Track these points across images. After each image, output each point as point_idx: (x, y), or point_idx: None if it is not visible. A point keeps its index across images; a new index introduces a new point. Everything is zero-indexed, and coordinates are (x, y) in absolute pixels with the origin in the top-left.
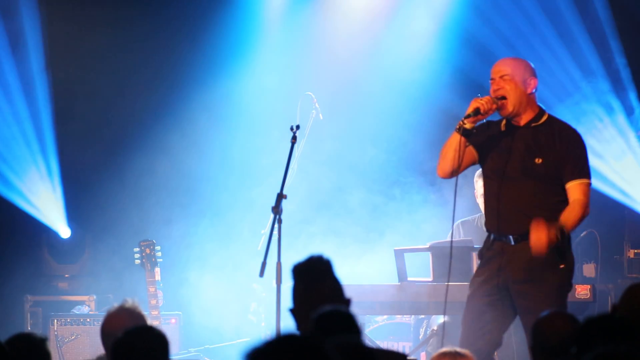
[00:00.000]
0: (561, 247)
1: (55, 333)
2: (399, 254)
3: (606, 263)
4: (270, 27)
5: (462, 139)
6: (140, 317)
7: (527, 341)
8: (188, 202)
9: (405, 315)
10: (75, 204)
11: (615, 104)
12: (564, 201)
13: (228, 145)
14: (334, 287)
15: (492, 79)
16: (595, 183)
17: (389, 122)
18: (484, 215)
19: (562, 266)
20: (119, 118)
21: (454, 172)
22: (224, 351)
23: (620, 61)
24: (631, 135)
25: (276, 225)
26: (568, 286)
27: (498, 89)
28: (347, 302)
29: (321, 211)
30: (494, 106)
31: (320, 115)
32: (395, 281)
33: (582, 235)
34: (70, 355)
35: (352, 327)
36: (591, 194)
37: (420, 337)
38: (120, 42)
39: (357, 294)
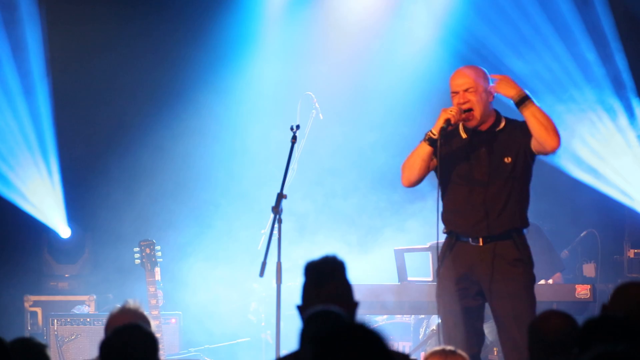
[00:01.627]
0: (525, 246)
1: (55, 333)
2: (399, 254)
3: (606, 263)
4: (270, 27)
5: (430, 149)
6: (143, 318)
7: (500, 338)
8: (188, 202)
9: (405, 315)
10: (76, 205)
11: (616, 104)
12: (528, 200)
13: (228, 145)
14: (343, 288)
15: (454, 92)
16: (596, 183)
17: (389, 122)
18: None
19: (530, 266)
20: (118, 119)
21: (419, 182)
22: (224, 351)
23: (620, 61)
24: (631, 135)
25: (276, 225)
26: (534, 280)
27: (464, 102)
28: (355, 304)
29: (322, 210)
30: (462, 116)
31: (321, 115)
32: (395, 281)
33: (582, 235)
34: (70, 355)
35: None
36: (592, 194)
37: (420, 337)
38: (121, 43)
39: (357, 294)
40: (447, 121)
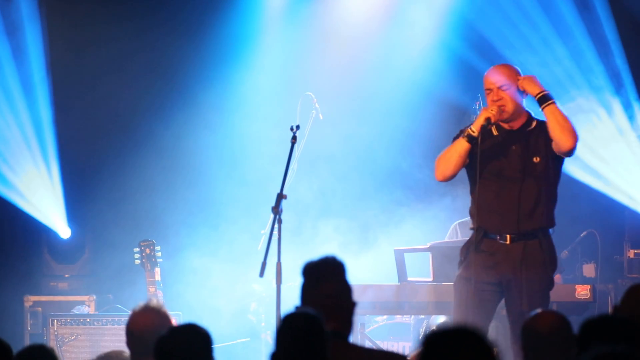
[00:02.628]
0: (551, 248)
1: (55, 333)
2: (399, 254)
3: (606, 263)
4: (270, 27)
5: (468, 145)
6: (166, 316)
7: (512, 337)
8: (188, 202)
9: (405, 315)
10: (76, 205)
11: (616, 104)
12: (556, 201)
13: (228, 145)
14: (342, 289)
15: (489, 89)
16: (596, 184)
17: (390, 122)
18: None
19: (552, 269)
20: (119, 119)
21: (453, 177)
22: (223, 351)
23: (621, 62)
24: (632, 136)
25: (276, 226)
26: (552, 286)
27: (499, 100)
28: (354, 304)
29: (322, 211)
30: (500, 116)
31: (320, 115)
32: (395, 281)
33: (582, 235)
34: (70, 356)
35: (317, 331)
36: (592, 194)
37: (420, 337)
38: (120, 42)
39: (357, 294)
40: (488, 120)
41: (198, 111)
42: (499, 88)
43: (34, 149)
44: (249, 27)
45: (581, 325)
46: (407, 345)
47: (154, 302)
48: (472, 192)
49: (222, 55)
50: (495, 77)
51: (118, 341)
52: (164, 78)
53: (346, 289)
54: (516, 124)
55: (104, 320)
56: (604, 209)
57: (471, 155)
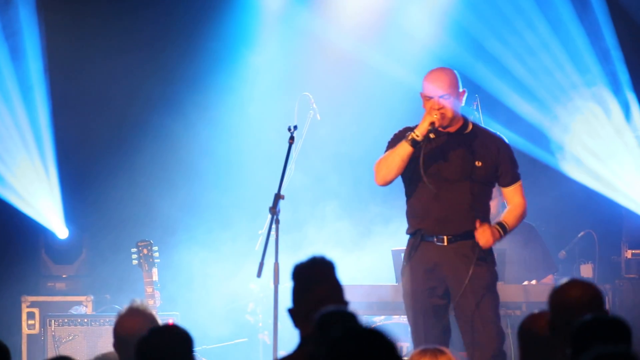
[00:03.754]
0: (490, 249)
1: (53, 333)
2: (397, 255)
3: (604, 263)
4: (268, 27)
5: (412, 150)
6: (152, 318)
7: (463, 337)
8: (185, 202)
9: (402, 316)
10: (73, 205)
11: (614, 104)
12: (490, 201)
13: (226, 145)
14: (333, 289)
15: (429, 97)
16: (593, 183)
17: (387, 122)
18: None
19: (494, 266)
20: (116, 120)
21: (392, 181)
22: (221, 352)
23: (618, 62)
24: (629, 135)
25: (274, 226)
26: (497, 279)
27: (440, 108)
28: (346, 304)
29: (319, 211)
30: (442, 122)
31: (318, 115)
32: (393, 282)
33: (579, 235)
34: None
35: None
36: (589, 193)
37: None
38: (118, 42)
39: (354, 295)
40: (432, 124)
41: (196, 112)
42: (440, 97)
43: (32, 150)
44: (246, 27)
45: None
46: (404, 345)
47: (139, 304)
48: (407, 195)
49: (219, 56)
50: (437, 85)
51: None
52: (161, 79)
53: (338, 288)
54: (453, 128)
55: (102, 321)
56: (601, 210)
57: (410, 158)
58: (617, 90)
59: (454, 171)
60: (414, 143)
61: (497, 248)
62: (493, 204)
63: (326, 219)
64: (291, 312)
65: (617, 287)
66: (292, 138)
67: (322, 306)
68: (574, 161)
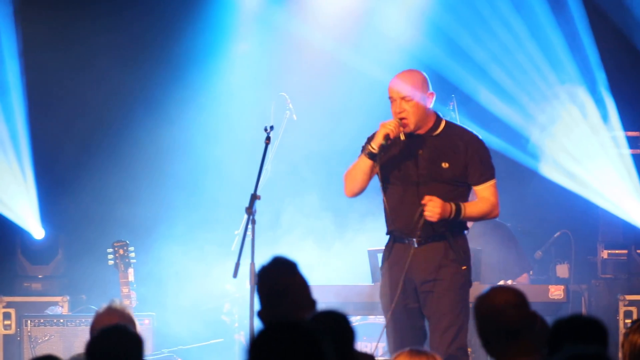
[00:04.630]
0: (463, 248)
1: (29, 334)
2: (373, 255)
3: (580, 264)
4: (244, 28)
5: (371, 162)
6: (130, 318)
7: (430, 339)
8: (161, 202)
9: (379, 316)
10: (49, 206)
11: (590, 104)
12: (466, 201)
13: (202, 146)
14: (299, 289)
15: (392, 99)
16: (569, 183)
17: (364, 122)
18: None
19: (464, 267)
20: (93, 120)
21: (361, 192)
22: (197, 352)
23: (594, 61)
24: (605, 135)
25: (250, 226)
26: (469, 285)
27: (401, 112)
28: (314, 303)
29: (295, 211)
30: (401, 129)
31: (294, 115)
32: (369, 282)
33: (555, 235)
34: None
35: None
36: (565, 194)
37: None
38: (96, 43)
39: (330, 295)
40: (387, 136)
41: (173, 112)
42: (402, 99)
43: (8, 150)
44: (222, 28)
45: (552, 326)
46: (380, 345)
47: (117, 304)
48: (384, 197)
49: (195, 56)
50: (399, 87)
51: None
52: (138, 79)
53: (304, 288)
54: (422, 130)
55: (78, 321)
56: (577, 210)
57: (384, 163)
58: (593, 90)
59: (420, 173)
60: (372, 156)
61: (473, 248)
62: None
63: (303, 219)
64: (260, 315)
65: (593, 287)
66: (268, 138)
67: (290, 307)
68: (550, 161)
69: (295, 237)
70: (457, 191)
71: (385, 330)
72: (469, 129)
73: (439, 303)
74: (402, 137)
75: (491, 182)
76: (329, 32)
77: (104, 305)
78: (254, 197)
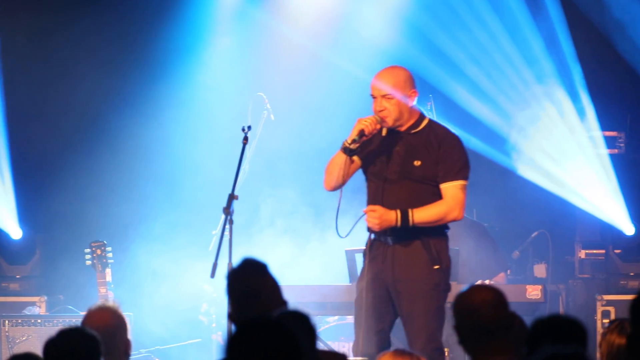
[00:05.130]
0: (438, 248)
1: (7, 334)
2: (350, 255)
3: (557, 263)
4: (222, 27)
5: (346, 157)
6: (122, 318)
7: (408, 339)
8: (139, 202)
9: None
10: (27, 206)
11: (567, 104)
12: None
13: (179, 146)
14: (270, 290)
15: (373, 96)
16: (546, 183)
17: (343, 122)
18: None
19: (436, 267)
20: (71, 119)
21: (340, 186)
22: (174, 352)
23: (572, 61)
24: (583, 135)
25: (227, 226)
26: (445, 285)
27: (381, 110)
28: (285, 304)
29: (274, 211)
30: (378, 126)
31: (272, 115)
32: (346, 282)
33: (533, 235)
34: None
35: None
36: (542, 194)
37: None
38: (72, 42)
39: (308, 295)
40: (361, 132)
41: (150, 112)
42: (383, 97)
43: None
44: (200, 27)
45: (531, 325)
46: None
47: (110, 303)
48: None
49: (173, 56)
50: (380, 85)
51: None
52: (116, 78)
53: (274, 288)
54: (403, 127)
55: (55, 321)
56: (555, 210)
57: (363, 156)
58: (571, 90)
59: (394, 171)
60: (347, 151)
61: (450, 248)
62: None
63: (280, 219)
64: (231, 317)
65: (570, 287)
66: (245, 138)
67: (261, 308)
68: (527, 161)
69: (273, 237)
70: (429, 190)
71: (355, 328)
72: (451, 129)
73: (413, 303)
74: (384, 133)
75: (456, 183)
76: (308, 32)
77: (98, 302)
78: (232, 197)
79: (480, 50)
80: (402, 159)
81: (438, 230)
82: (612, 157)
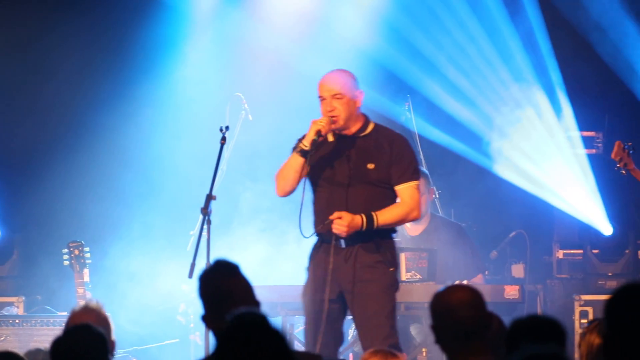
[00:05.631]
0: (390, 250)
1: None
2: None
3: (535, 263)
4: (199, 29)
5: (303, 160)
6: (105, 319)
7: (360, 341)
8: (117, 203)
9: None
10: (5, 206)
11: (545, 104)
12: (392, 203)
13: (157, 147)
14: (243, 291)
15: (322, 98)
16: (524, 184)
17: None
18: None
19: (392, 269)
20: (48, 119)
21: (293, 191)
22: (152, 352)
23: (550, 62)
24: (560, 135)
25: (205, 226)
26: (397, 285)
27: (332, 110)
28: (258, 304)
29: (249, 211)
30: (332, 126)
31: (250, 116)
32: None
33: (511, 235)
34: None
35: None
36: (521, 194)
37: (349, 337)
38: (50, 44)
39: (283, 295)
40: (318, 133)
41: (127, 112)
42: (333, 97)
43: None
44: (177, 28)
45: (510, 325)
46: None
47: (94, 303)
48: (312, 198)
49: (151, 56)
50: (331, 85)
51: (47, 342)
52: (94, 79)
53: (247, 290)
54: (350, 130)
55: (33, 322)
56: (533, 210)
57: (313, 164)
58: (549, 90)
59: (346, 175)
60: (303, 153)
61: (429, 249)
62: (422, 201)
63: (257, 219)
64: (205, 319)
65: (548, 287)
66: (223, 138)
67: (234, 309)
68: (505, 161)
69: (252, 233)
70: (384, 193)
71: (305, 330)
72: (394, 130)
73: (368, 303)
74: (331, 138)
75: (411, 184)
76: (285, 32)
77: (81, 302)
78: (210, 198)
79: (459, 51)
80: (355, 163)
81: (388, 233)
82: (590, 157)
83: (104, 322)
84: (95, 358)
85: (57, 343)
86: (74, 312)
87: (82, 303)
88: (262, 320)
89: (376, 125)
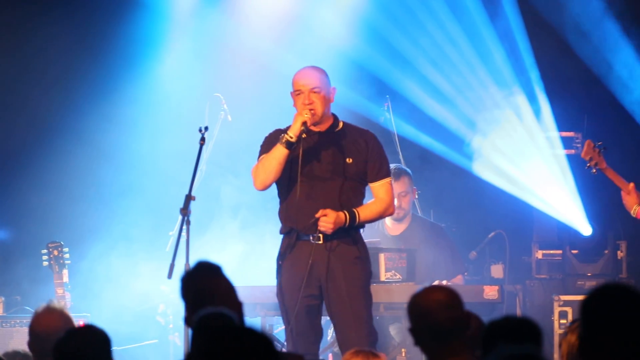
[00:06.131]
0: (363, 243)
1: None
2: None
3: (514, 264)
4: (178, 29)
5: (287, 152)
6: (68, 317)
7: (337, 338)
8: (97, 203)
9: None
10: None
11: (524, 105)
12: (363, 198)
13: (136, 148)
14: (225, 292)
15: (299, 92)
16: (504, 184)
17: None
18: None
19: (368, 265)
20: (29, 120)
21: (272, 184)
22: (131, 353)
23: (529, 63)
24: (540, 136)
25: (184, 227)
26: (370, 277)
27: (310, 103)
28: (240, 305)
29: (229, 212)
30: (312, 120)
31: (229, 116)
32: None
33: (490, 236)
34: None
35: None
36: (500, 195)
37: (328, 338)
38: (32, 42)
39: (265, 296)
40: (305, 124)
41: (107, 112)
42: (311, 90)
43: None
44: (156, 28)
45: (486, 326)
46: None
47: (56, 304)
48: (281, 196)
49: (130, 57)
50: (308, 80)
51: (26, 343)
52: (75, 79)
53: (229, 291)
54: (323, 127)
55: (12, 322)
56: (512, 210)
57: (290, 159)
58: (528, 91)
59: (326, 169)
60: (289, 145)
61: (409, 249)
62: (405, 200)
63: (236, 220)
64: (187, 320)
65: (527, 287)
66: (202, 139)
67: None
68: (484, 162)
69: (235, 229)
70: (356, 187)
71: (286, 329)
72: (361, 127)
73: (352, 302)
74: (304, 135)
75: (387, 180)
76: (264, 33)
77: (42, 304)
78: (189, 198)
79: (439, 52)
80: (333, 158)
81: (358, 229)
82: (569, 157)
83: (68, 322)
84: (99, 358)
85: (61, 344)
86: (37, 313)
87: (44, 304)
88: (248, 328)
89: (345, 123)
